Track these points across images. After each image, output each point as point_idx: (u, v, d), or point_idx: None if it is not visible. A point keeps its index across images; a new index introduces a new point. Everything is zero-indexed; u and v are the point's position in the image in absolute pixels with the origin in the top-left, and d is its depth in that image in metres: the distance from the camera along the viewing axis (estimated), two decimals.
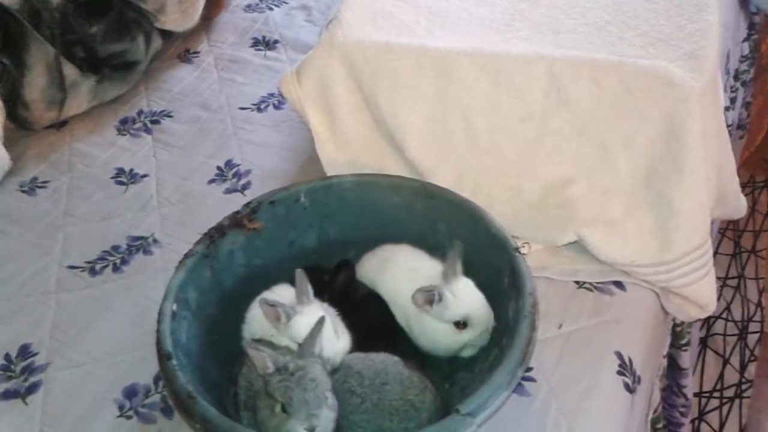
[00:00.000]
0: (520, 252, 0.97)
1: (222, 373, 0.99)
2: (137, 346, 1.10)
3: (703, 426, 1.85)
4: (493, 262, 1.01)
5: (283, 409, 0.81)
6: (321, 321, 0.88)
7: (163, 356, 0.88)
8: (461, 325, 0.96)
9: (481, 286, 1.03)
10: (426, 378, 0.92)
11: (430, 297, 0.95)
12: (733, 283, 2.19)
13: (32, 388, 1.07)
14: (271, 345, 0.95)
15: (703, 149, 1.11)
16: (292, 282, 1.01)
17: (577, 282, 1.16)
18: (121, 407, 1.03)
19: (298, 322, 0.93)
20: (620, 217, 1.13)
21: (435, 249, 1.10)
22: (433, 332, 0.97)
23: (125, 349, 1.11)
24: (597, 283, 1.15)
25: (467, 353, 0.99)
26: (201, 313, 1.00)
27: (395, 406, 0.87)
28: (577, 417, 0.97)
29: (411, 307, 0.98)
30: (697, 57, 1.16)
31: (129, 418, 1.02)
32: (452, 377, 1.00)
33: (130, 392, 1.05)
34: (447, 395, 0.97)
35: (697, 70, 1.14)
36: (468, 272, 1.03)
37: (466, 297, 0.96)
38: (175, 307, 0.94)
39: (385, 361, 0.91)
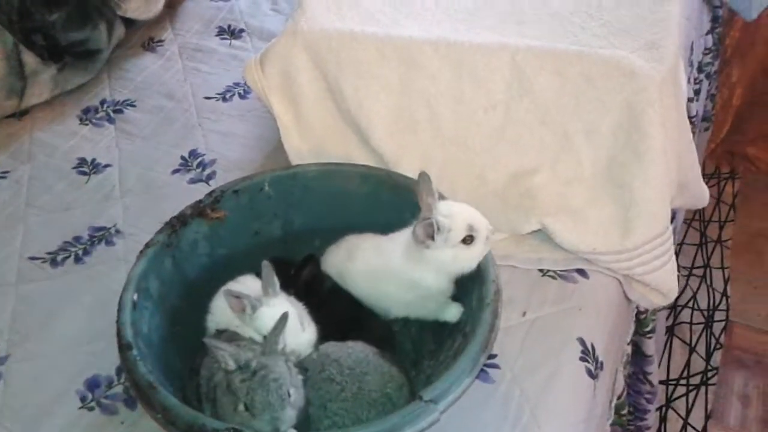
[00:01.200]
0: None
1: (185, 364, 0.98)
2: (99, 338, 1.09)
3: (670, 413, 1.88)
4: None
5: (246, 408, 0.81)
6: (284, 317, 0.88)
7: (123, 346, 0.87)
8: (469, 239, 0.94)
9: None
10: (404, 373, 0.93)
11: (429, 229, 0.93)
12: (699, 272, 2.23)
13: None
14: (235, 336, 0.95)
15: (663, 139, 1.13)
16: (257, 273, 1.01)
17: (541, 270, 1.17)
18: (83, 399, 1.02)
19: (264, 313, 0.93)
20: (582, 206, 1.15)
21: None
22: (444, 264, 0.95)
23: (87, 340, 1.10)
24: (560, 271, 1.17)
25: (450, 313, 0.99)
26: (163, 303, 0.99)
27: (374, 397, 0.87)
28: (540, 403, 0.98)
29: (400, 273, 0.98)
30: (657, 47, 1.18)
31: (91, 409, 1.00)
32: (418, 365, 1.01)
33: (92, 383, 1.04)
34: (413, 383, 0.97)
35: (658, 60, 1.15)
36: None
37: (459, 209, 0.95)
38: (135, 297, 0.93)
39: (364, 350, 0.92)
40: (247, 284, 1.00)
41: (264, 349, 0.85)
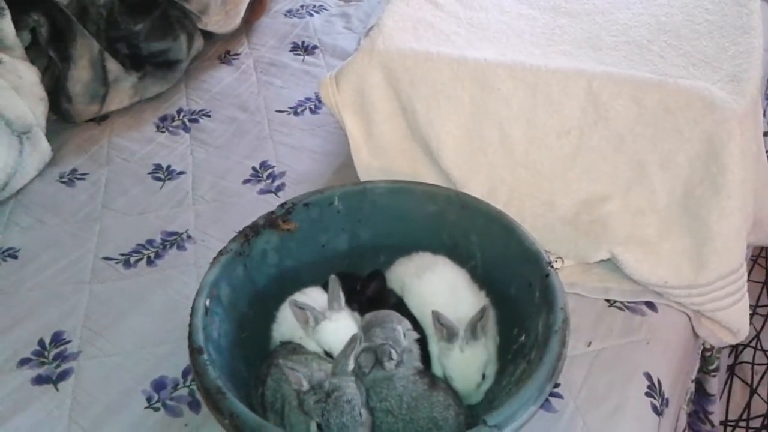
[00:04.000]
0: (552, 266, 0.96)
1: (250, 371, 1.00)
2: (167, 340, 1.12)
3: None
4: (524, 275, 1.01)
5: (320, 428, 0.82)
6: (354, 338, 0.89)
7: (194, 350, 0.89)
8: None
9: (512, 298, 1.03)
10: (450, 393, 0.92)
11: (442, 331, 0.95)
12: (763, 311, 2.15)
13: (63, 375, 1.09)
14: (299, 348, 0.96)
15: (743, 173, 1.10)
16: (323, 286, 1.02)
17: (608, 300, 1.15)
18: (149, 399, 1.05)
19: (326, 327, 0.94)
20: (655, 238, 1.13)
21: (466, 260, 1.11)
22: (431, 349, 0.98)
23: (155, 341, 1.12)
24: (628, 302, 1.15)
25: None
26: (233, 310, 1.01)
27: (421, 424, 0.87)
28: None
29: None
30: (739, 80, 1.15)
31: (156, 410, 1.03)
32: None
33: (159, 384, 1.06)
34: (472, 407, 0.97)
35: (739, 93, 1.12)
36: (498, 284, 1.04)
37: (463, 360, 0.95)
38: (208, 302, 0.95)
39: (419, 381, 0.91)
40: (313, 296, 1.02)
41: (335, 370, 0.86)
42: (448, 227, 1.11)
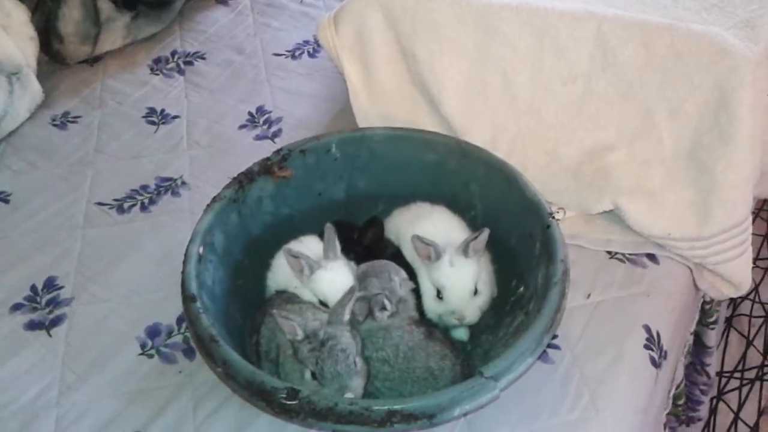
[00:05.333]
0: (554, 218, 0.94)
1: (245, 318, 0.99)
2: (161, 286, 1.10)
3: (721, 405, 1.82)
4: (525, 226, 0.98)
5: (314, 376, 0.81)
6: (352, 290, 0.87)
7: (187, 298, 0.87)
8: (438, 293, 0.95)
9: (511, 249, 1.01)
10: (447, 343, 0.91)
11: (428, 251, 0.94)
12: (763, 264, 2.13)
13: (56, 321, 1.07)
14: (294, 297, 0.95)
15: (752, 123, 1.06)
16: (319, 235, 1.00)
17: (609, 252, 1.13)
18: (143, 345, 1.04)
19: (321, 276, 0.93)
20: (659, 188, 1.10)
21: (465, 210, 1.08)
22: (423, 289, 0.97)
23: (149, 288, 1.11)
24: (629, 254, 1.13)
25: (457, 334, 0.98)
26: (227, 258, 1.00)
27: (417, 374, 0.87)
28: (600, 387, 0.95)
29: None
30: (753, 26, 1.11)
31: (150, 356, 1.02)
32: (476, 338, 0.99)
33: (153, 331, 1.05)
34: (469, 357, 0.96)
35: (753, 40, 1.08)
36: (498, 235, 1.01)
37: (453, 272, 0.94)
38: (201, 249, 0.93)
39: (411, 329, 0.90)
40: (309, 245, 1.00)
41: (330, 319, 0.84)
42: (447, 176, 1.09)
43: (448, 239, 0.97)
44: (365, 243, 1.01)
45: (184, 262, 0.90)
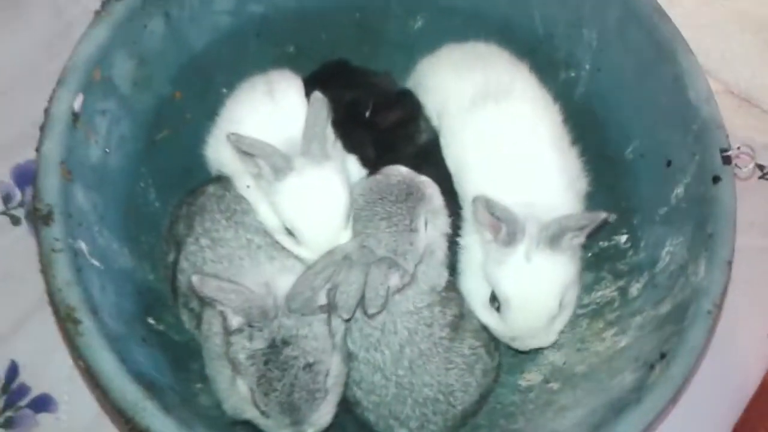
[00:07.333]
0: (731, 162, 0.51)
1: (164, 199, 0.61)
2: None
3: None
4: (664, 143, 0.58)
5: (254, 398, 0.48)
6: (334, 259, 0.48)
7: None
8: (494, 301, 0.55)
9: (623, 165, 0.64)
10: (483, 337, 0.56)
11: (496, 226, 0.53)
12: None
13: None
14: (237, 214, 0.55)
15: None
16: (310, 80, 0.57)
17: None
18: None
19: (290, 186, 0.51)
20: None
21: (560, 66, 0.66)
22: (469, 273, 0.57)
23: None
24: None
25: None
26: (139, 98, 0.60)
27: (424, 393, 0.53)
28: None
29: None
30: None
31: None
32: None
33: None
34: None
35: None
36: (606, 133, 0.62)
37: (528, 274, 0.53)
38: (80, 101, 0.51)
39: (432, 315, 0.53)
40: (288, 98, 0.57)
41: (292, 304, 0.46)
42: (549, 2, 0.61)
43: (524, 150, 0.56)
44: (383, 126, 0.56)
45: (42, 134, 0.48)
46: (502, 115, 0.58)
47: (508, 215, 0.53)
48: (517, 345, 0.55)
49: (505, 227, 0.53)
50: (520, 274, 0.53)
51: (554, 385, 0.57)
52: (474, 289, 0.56)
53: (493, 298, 0.54)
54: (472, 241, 0.57)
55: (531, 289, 0.54)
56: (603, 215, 0.52)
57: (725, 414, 0.64)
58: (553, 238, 0.52)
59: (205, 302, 0.52)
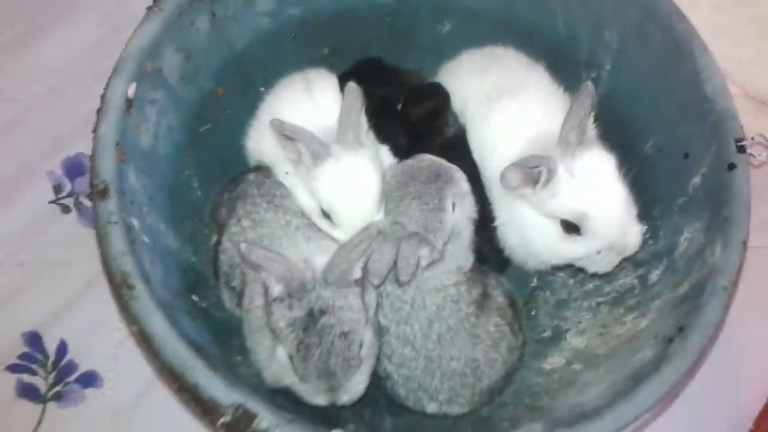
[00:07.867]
0: (746, 150, 0.54)
1: (206, 188, 0.64)
2: None
3: None
4: (682, 136, 0.61)
5: (293, 363, 0.51)
6: (369, 234, 0.51)
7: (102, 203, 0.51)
8: (572, 227, 0.57)
9: (642, 159, 0.64)
10: (509, 313, 0.59)
11: (533, 175, 0.55)
12: None
13: None
14: (277, 197, 0.59)
15: None
16: (344, 77, 0.61)
17: None
18: None
19: (326, 173, 0.55)
20: None
21: (581, 67, 0.68)
22: (529, 229, 0.59)
23: None
24: None
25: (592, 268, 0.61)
26: (185, 91, 0.63)
27: (452, 367, 0.56)
28: None
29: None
30: None
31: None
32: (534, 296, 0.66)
33: None
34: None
35: None
36: (628, 130, 0.64)
37: (593, 182, 0.56)
38: (133, 89, 0.55)
39: (458, 291, 0.56)
40: (324, 92, 0.61)
41: (329, 277, 0.50)
42: (571, 5, 0.64)
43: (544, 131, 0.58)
44: (414, 118, 0.60)
45: (98, 119, 0.52)
46: (517, 105, 0.62)
47: (537, 160, 0.55)
48: (610, 258, 0.57)
49: (545, 168, 0.55)
50: (588, 185, 0.55)
51: (577, 366, 0.59)
52: (542, 242, 0.58)
53: (568, 227, 0.56)
54: (513, 211, 0.59)
55: (605, 189, 0.55)
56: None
57: (726, 413, 0.66)
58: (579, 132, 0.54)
59: (245, 281, 0.56)
